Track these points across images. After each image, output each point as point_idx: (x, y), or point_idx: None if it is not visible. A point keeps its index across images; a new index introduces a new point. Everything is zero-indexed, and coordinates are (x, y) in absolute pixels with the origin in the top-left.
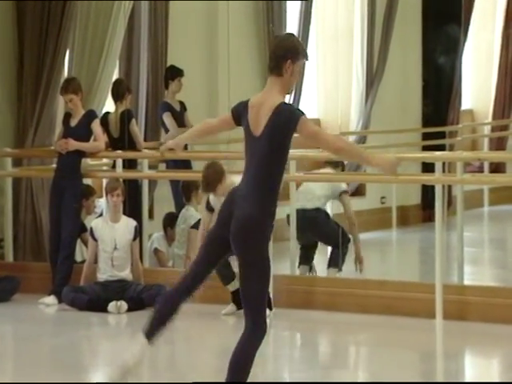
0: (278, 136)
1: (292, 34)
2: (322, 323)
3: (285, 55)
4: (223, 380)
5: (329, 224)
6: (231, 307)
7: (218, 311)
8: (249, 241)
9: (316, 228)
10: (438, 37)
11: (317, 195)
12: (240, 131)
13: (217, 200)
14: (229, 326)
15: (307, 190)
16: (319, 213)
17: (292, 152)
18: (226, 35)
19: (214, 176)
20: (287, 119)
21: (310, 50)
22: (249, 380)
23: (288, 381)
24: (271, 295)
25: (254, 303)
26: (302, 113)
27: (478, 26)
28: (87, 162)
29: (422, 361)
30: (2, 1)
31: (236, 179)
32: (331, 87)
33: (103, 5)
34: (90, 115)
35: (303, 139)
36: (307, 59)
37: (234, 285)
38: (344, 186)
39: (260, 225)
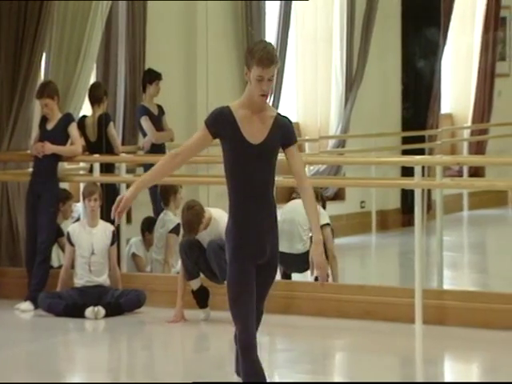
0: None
1: (261, 41)
2: (300, 328)
3: (245, 62)
4: None
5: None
6: (205, 313)
7: (196, 317)
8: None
9: (302, 267)
10: (417, 41)
11: (301, 232)
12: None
13: (199, 234)
14: (205, 332)
15: (292, 222)
16: (306, 255)
17: None
18: (205, 37)
19: (194, 219)
20: None
21: (289, 53)
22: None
23: None
24: None
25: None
26: (205, 121)
27: (458, 30)
28: (64, 165)
29: (402, 365)
30: None
31: (213, 211)
32: (310, 91)
33: (80, 6)
34: (67, 119)
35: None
36: (263, 67)
37: (196, 283)
38: (326, 218)
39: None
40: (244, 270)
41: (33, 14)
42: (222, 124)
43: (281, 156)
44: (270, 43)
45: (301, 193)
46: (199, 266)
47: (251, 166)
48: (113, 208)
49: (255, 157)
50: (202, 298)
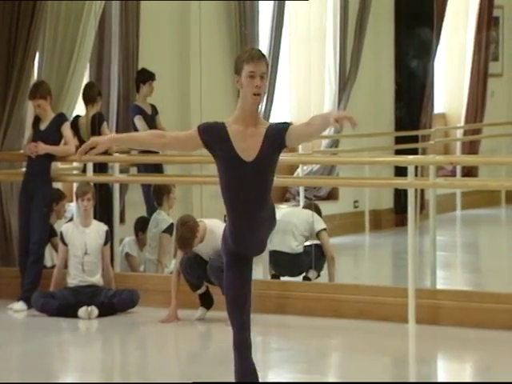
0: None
1: (250, 47)
2: (295, 328)
3: (235, 70)
4: None
5: (309, 260)
6: (202, 311)
7: (189, 316)
8: None
9: (298, 269)
10: (410, 40)
11: (296, 234)
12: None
13: (196, 247)
14: (199, 331)
15: (288, 223)
16: (300, 257)
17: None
18: (198, 37)
19: (188, 235)
20: None
21: (282, 53)
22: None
23: None
24: None
25: None
26: (198, 125)
27: (451, 30)
28: (57, 165)
29: (395, 365)
30: None
31: (208, 223)
32: (304, 90)
33: (73, 6)
34: (60, 118)
35: None
36: (253, 61)
37: (202, 289)
38: (322, 224)
39: None
40: (240, 275)
41: (26, 13)
42: (214, 137)
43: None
44: (255, 47)
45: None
46: (202, 279)
47: (246, 183)
48: (81, 148)
49: (250, 174)
50: (206, 301)
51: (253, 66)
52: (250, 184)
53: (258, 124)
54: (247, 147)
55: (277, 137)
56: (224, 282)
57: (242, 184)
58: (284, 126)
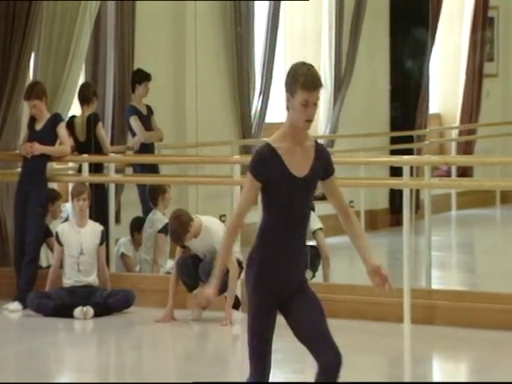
0: None
1: (302, 63)
2: (289, 328)
3: (286, 88)
4: None
5: (309, 257)
6: (197, 311)
7: (185, 316)
8: None
9: None
10: (405, 41)
11: None
12: (204, 135)
13: (190, 242)
14: (194, 331)
15: None
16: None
17: None
18: (194, 37)
19: (180, 229)
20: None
21: (277, 54)
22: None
23: None
24: (240, 297)
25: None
26: (251, 170)
27: (446, 31)
28: (53, 165)
29: (390, 365)
30: None
31: (204, 219)
32: None
33: (69, 7)
34: (56, 119)
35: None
36: (308, 90)
37: (198, 289)
38: (319, 223)
39: None
40: (265, 306)
41: (21, 14)
42: (265, 166)
43: None
44: (312, 65)
45: (349, 226)
46: (198, 280)
47: (295, 199)
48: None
49: (300, 190)
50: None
51: (308, 94)
52: (299, 199)
53: (306, 139)
54: (298, 163)
55: (326, 162)
56: (248, 308)
57: (290, 199)
58: (332, 169)
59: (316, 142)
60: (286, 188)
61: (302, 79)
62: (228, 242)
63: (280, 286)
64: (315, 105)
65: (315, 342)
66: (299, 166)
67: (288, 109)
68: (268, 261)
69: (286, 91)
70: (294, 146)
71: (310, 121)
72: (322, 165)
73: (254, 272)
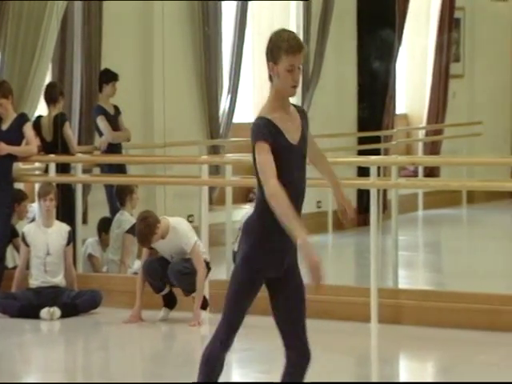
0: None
1: (283, 30)
2: (258, 328)
3: (269, 57)
4: None
5: None
6: (165, 312)
7: (153, 317)
8: None
9: None
10: (372, 42)
11: None
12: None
13: (157, 243)
14: (162, 332)
15: None
16: None
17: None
18: (161, 37)
19: (146, 231)
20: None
21: (245, 53)
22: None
23: None
24: (207, 297)
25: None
26: (259, 137)
27: (412, 31)
28: (19, 166)
29: (358, 365)
30: None
31: (171, 220)
32: (267, 91)
33: (35, 6)
34: (22, 118)
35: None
36: (293, 54)
37: (165, 290)
38: None
39: None
40: (253, 275)
41: None
42: (272, 133)
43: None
44: (292, 31)
45: (326, 165)
46: (164, 282)
47: (294, 169)
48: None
49: (297, 158)
50: (169, 302)
51: (293, 58)
52: (298, 166)
53: (289, 106)
54: (291, 131)
55: (307, 120)
56: (233, 275)
57: (292, 173)
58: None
59: (296, 105)
60: (286, 157)
61: (286, 45)
62: (284, 205)
63: (273, 260)
64: (299, 69)
65: (290, 333)
66: (292, 133)
67: (271, 79)
68: (267, 232)
69: (269, 61)
70: (284, 115)
71: (295, 86)
72: (306, 124)
73: (253, 240)
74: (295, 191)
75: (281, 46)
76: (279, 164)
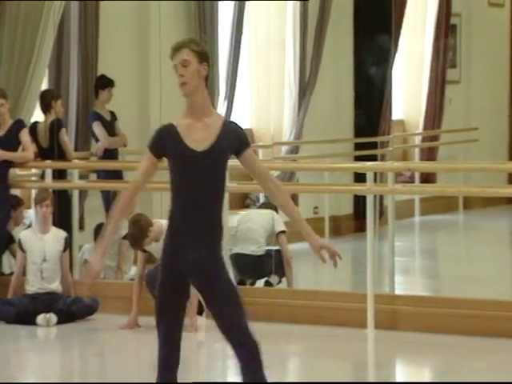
0: None
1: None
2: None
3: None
4: None
5: (272, 263)
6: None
7: (150, 323)
8: None
9: (261, 272)
10: (369, 47)
11: (257, 235)
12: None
13: (151, 246)
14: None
15: (247, 230)
16: (264, 258)
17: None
18: (158, 41)
19: (138, 234)
20: None
21: (242, 58)
22: None
23: None
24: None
25: None
26: (148, 144)
27: (409, 37)
28: (15, 172)
29: (354, 371)
30: None
31: (165, 223)
32: (263, 97)
33: (32, 11)
34: (18, 124)
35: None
36: (173, 54)
37: None
38: (283, 226)
39: None
40: (168, 282)
41: None
42: (162, 141)
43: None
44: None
45: (273, 193)
46: None
47: (193, 175)
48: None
49: (201, 164)
50: None
51: (173, 58)
52: (201, 175)
53: (210, 115)
54: (199, 138)
55: (235, 137)
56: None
57: (192, 175)
58: (245, 141)
59: (226, 119)
60: (184, 163)
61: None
62: (120, 201)
63: (178, 261)
64: (184, 66)
65: (230, 337)
66: (200, 140)
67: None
68: (172, 236)
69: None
70: (195, 123)
71: (184, 83)
72: (231, 140)
73: (163, 245)
74: (193, 200)
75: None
76: (178, 170)
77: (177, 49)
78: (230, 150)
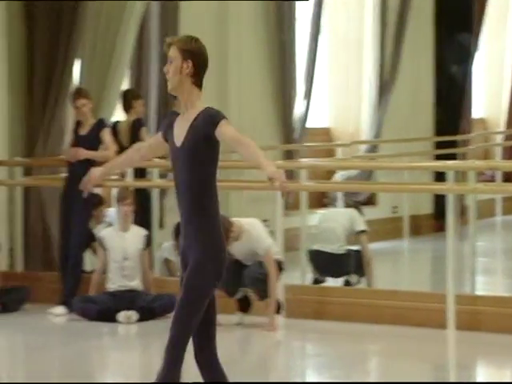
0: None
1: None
2: (333, 333)
3: None
4: None
5: (351, 262)
6: (240, 316)
7: (227, 321)
8: None
9: (339, 271)
10: (449, 45)
11: (337, 234)
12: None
13: (231, 246)
14: (237, 336)
15: (328, 229)
16: (344, 257)
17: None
18: (237, 41)
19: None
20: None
21: (320, 57)
22: None
23: None
24: (282, 301)
25: None
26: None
27: (490, 35)
28: None
29: (434, 371)
30: (11, 3)
31: (244, 222)
32: (342, 95)
33: (113, 11)
34: (101, 124)
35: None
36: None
37: (239, 294)
38: (363, 225)
39: None
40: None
41: (66, 22)
42: (166, 128)
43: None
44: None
45: (244, 156)
46: (238, 286)
47: (177, 169)
48: (82, 184)
49: (179, 160)
50: (243, 306)
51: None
52: (181, 171)
53: (193, 108)
54: (178, 133)
55: (201, 127)
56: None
57: (176, 172)
58: (213, 121)
59: (204, 109)
60: (171, 158)
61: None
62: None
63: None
64: (171, 63)
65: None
66: (177, 136)
67: None
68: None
69: None
70: (180, 118)
71: (167, 80)
72: (202, 128)
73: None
74: (178, 192)
75: None
76: (171, 164)
77: (167, 46)
78: (206, 137)
